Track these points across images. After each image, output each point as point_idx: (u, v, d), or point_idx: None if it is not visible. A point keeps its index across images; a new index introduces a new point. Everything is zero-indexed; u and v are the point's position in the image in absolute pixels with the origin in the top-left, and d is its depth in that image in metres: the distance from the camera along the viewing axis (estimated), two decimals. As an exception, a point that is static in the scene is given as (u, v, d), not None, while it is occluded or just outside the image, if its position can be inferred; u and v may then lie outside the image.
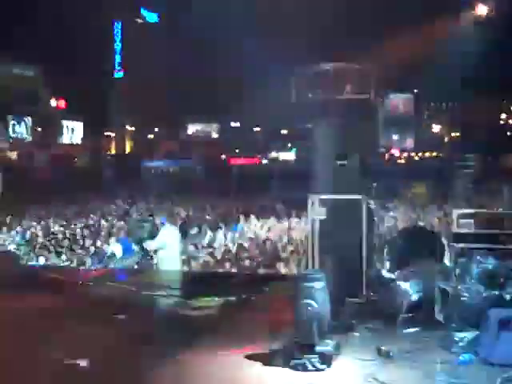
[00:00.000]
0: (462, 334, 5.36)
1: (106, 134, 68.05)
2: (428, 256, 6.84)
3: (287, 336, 5.29)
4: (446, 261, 7.01)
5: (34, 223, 16.38)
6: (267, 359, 5.17)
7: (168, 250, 9.00)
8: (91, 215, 18.10)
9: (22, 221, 16.76)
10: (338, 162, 7.13)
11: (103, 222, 16.62)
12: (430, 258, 6.80)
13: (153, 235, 9.12)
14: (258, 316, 6.54)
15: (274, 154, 62.42)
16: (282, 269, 10.45)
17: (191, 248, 12.31)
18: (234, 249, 12.50)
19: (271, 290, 7.55)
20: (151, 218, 10.84)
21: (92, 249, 12.54)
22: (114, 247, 11.59)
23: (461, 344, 5.28)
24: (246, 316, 6.61)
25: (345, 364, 5.13)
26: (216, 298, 7.12)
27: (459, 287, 5.75)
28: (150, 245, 9.10)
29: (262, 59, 43.87)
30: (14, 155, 50.69)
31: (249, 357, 5.27)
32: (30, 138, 55.58)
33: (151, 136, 72.18)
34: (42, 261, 11.57)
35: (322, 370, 4.96)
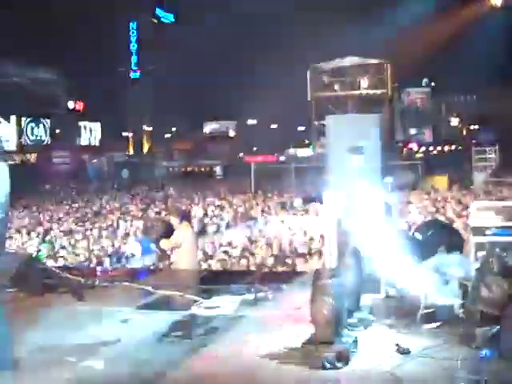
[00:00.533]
0: (482, 330, 5.26)
1: (123, 134, 68.41)
2: (447, 250, 6.75)
3: (304, 334, 5.24)
4: (466, 255, 6.92)
5: (53, 224, 16.50)
6: (284, 357, 5.12)
7: (184, 248, 8.98)
8: (110, 215, 18.21)
9: (40, 222, 16.89)
10: (352, 155, 7.06)
11: (121, 222, 16.70)
12: (449, 253, 6.71)
13: (169, 234, 9.10)
14: (275, 314, 6.49)
15: (291, 151, 62.29)
16: (302, 265, 10.41)
17: (209, 246, 12.31)
18: (252, 247, 12.48)
19: (289, 288, 7.50)
20: (167, 217, 10.84)
21: (110, 249, 12.60)
22: (133, 247, 11.61)
23: (482, 340, 5.19)
24: (262, 314, 6.55)
25: (362, 361, 5.07)
26: (233, 297, 7.08)
27: (479, 282, 5.65)
28: (165, 244, 9.08)
29: (276, 58, 43.91)
30: (32, 157, 51.10)
31: (265, 355, 5.22)
32: (48, 140, 55.97)
33: (168, 135, 72.41)
34: (61, 262, 11.64)
35: (340, 367, 4.90)
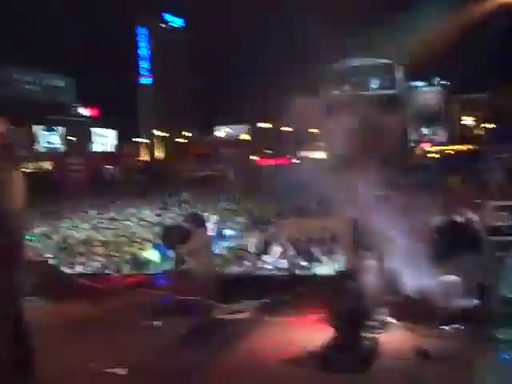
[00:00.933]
0: (503, 331, 5.25)
1: (136, 140, 68.72)
2: (465, 250, 6.73)
3: (323, 337, 5.25)
4: (483, 255, 6.89)
5: (70, 231, 16.60)
6: (304, 361, 5.14)
7: (201, 253, 8.99)
8: (127, 221, 18.30)
9: (57, 229, 17.00)
10: None
11: (139, 227, 16.78)
12: (467, 253, 6.68)
13: (185, 240, 9.11)
14: (294, 317, 6.50)
15: (303, 154, 62.23)
16: (320, 268, 10.40)
17: (225, 251, 12.33)
18: (268, 250, 12.49)
19: (308, 291, 7.50)
20: (184, 222, 10.86)
21: (128, 255, 12.66)
22: (151, 253, 11.67)
23: (502, 342, 5.17)
24: (282, 318, 6.57)
25: (382, 364, 5.07)
26: (251, 301, 7.10)
27: (498, 282, 5.63)
28: (182, 249, 9.10)
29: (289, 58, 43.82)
30: (46, 164, 51.44)
31: (286, 360, 5.24)
32: (62, 148, 56.35)
33: (180, 140, 72.61)
34: (78, 268, 11.72)
35: (360, 370, 4.91)
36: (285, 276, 9.33)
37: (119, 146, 65.15)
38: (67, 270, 11.60)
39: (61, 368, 5.21)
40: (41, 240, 15.30)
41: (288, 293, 7.28)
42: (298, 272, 10.23)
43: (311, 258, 11.03)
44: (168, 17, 78.31)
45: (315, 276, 9.32)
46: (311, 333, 5.74)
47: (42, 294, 7.90)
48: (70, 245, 14.47)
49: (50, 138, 55.50)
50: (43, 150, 53.64)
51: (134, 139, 68.18)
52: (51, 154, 53.41)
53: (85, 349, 5.83)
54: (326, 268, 10.26)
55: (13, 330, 4.59)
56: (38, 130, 54.10)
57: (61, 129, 56.44)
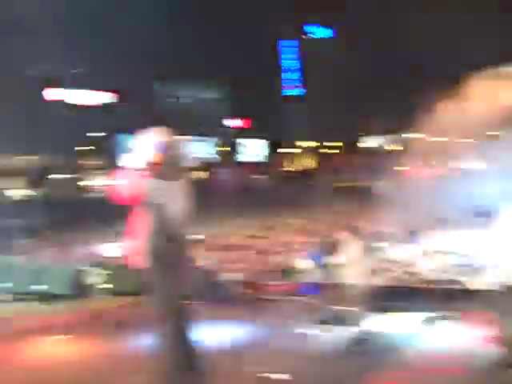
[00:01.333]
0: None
1: (283, 150, 69.75)
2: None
3: (494, 354, 5.01)
4: None
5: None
6: (473, 379, 4.93)
7: (354, 264, 8.95)
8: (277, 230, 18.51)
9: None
10: None
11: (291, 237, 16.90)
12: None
13: (338, 250, 9.12)
14: (455, 333, 6.26)
15: (456, 164, 59.91)
16: (477, 283, 9.94)
17: (377, 262, 12.13)
18: (421, 263, 12.12)
19: (473, 306, 7.19)
20: (335, 232, 10.85)
21: (282, 264, 12.78)
22: (304, 262, 11.74)
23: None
24: (442, 332, 6.36)
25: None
26: (415, 314, 6.94)
27: None
28: (334, 259, 9.11)
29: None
30: (202, 174, 53.51)
31: (453, 379, 5.05)
32: (217, 158, 58.48)
33: (327, 151, 72.69)
34: (234, 275, 11.96)
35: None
36: (447, 289, 9.01)
37: (268, 157, 66.49)
38: (224, 276, 11.90)
39: (227, 372, 5.36)
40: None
41: (451, 307, 7.04)
42: (459, 285, 9.84)
43: (473, 271, 10.56)
44: (314, 28, 78.91)
45: (480, 290, 8.90)
46: (477, 349, 5.49)
47: (201, 298, 8.20)
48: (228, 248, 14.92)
49: (205, 149, 57.79)
50: (199, 159, 55.95)
51: (281, 150, 69.32)
52: (206, 164, 55.54)
53: (239, 354, 5.97)
54: (490, 282, 9.78)
55: (179, 330, 4.81)
56: (195, 140, 56.54)
57: (216, 140, 58.70)
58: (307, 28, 77.90)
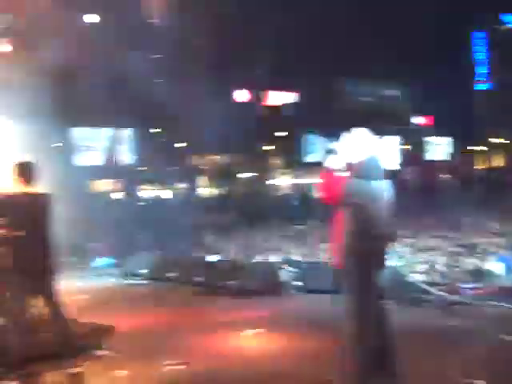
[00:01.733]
0: None
1: (472, 148, 66.81)
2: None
3: None
4: None
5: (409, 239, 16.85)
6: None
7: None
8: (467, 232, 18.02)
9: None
10: None
11: (481, 238, 16.38)
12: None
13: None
14: None
15: None
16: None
17: None
18: None
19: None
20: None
21: (470, 266, 12.45)
22: (495, 265, 11.36)
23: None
24: None
25: None
26: None
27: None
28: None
29: None
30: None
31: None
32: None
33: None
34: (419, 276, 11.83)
35: None
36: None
37: (454, 155, 64.01)
38: (414, 277, 11.80)
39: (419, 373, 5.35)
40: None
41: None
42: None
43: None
44: (508, 17, 74.19)
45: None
46: None
47: (391, 298, 8.24)
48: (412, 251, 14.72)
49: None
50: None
51: (469, 147, 66.28)
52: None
53: (441, 358, 5.95)
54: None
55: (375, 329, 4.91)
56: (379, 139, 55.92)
57: (398, 138, 57.53)
58: (504, 17, 73.51)
